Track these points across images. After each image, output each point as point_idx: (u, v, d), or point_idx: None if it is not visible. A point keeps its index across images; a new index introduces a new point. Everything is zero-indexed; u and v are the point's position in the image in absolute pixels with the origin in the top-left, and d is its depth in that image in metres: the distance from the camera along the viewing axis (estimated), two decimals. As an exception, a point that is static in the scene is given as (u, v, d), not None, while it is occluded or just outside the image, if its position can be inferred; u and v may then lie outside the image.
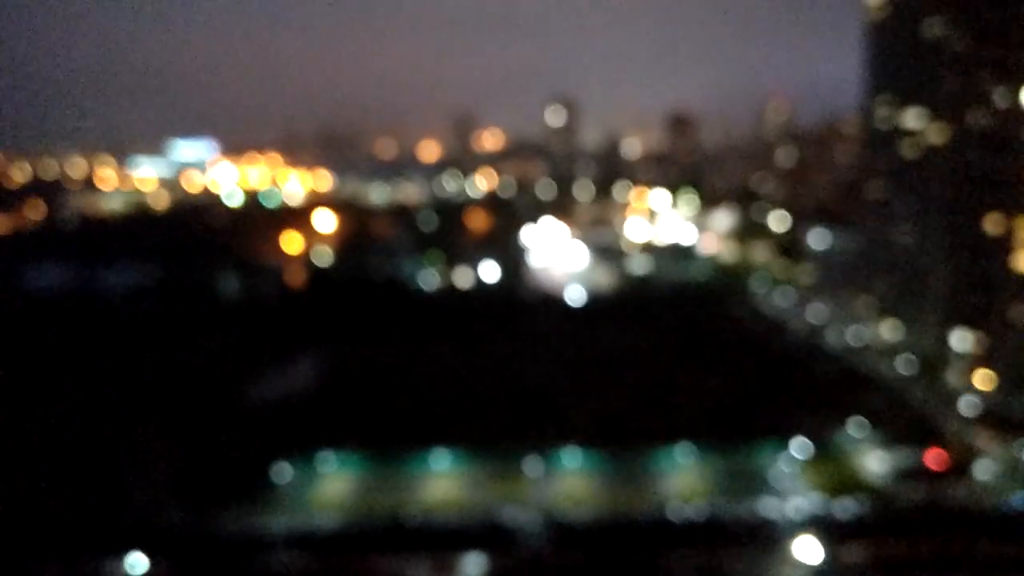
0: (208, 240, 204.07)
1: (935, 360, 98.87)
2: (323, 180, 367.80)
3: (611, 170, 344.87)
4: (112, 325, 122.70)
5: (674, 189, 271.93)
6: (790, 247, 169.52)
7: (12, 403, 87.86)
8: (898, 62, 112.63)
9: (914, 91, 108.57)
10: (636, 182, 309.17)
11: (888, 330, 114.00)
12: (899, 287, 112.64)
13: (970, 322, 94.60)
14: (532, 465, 74.40)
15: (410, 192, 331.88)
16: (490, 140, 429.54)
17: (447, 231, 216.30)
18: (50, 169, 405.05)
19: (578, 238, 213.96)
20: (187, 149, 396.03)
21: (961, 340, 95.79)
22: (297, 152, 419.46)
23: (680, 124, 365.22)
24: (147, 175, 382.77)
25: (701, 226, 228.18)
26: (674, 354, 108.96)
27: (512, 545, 62.12)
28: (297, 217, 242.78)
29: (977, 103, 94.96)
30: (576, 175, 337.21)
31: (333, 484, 74.00)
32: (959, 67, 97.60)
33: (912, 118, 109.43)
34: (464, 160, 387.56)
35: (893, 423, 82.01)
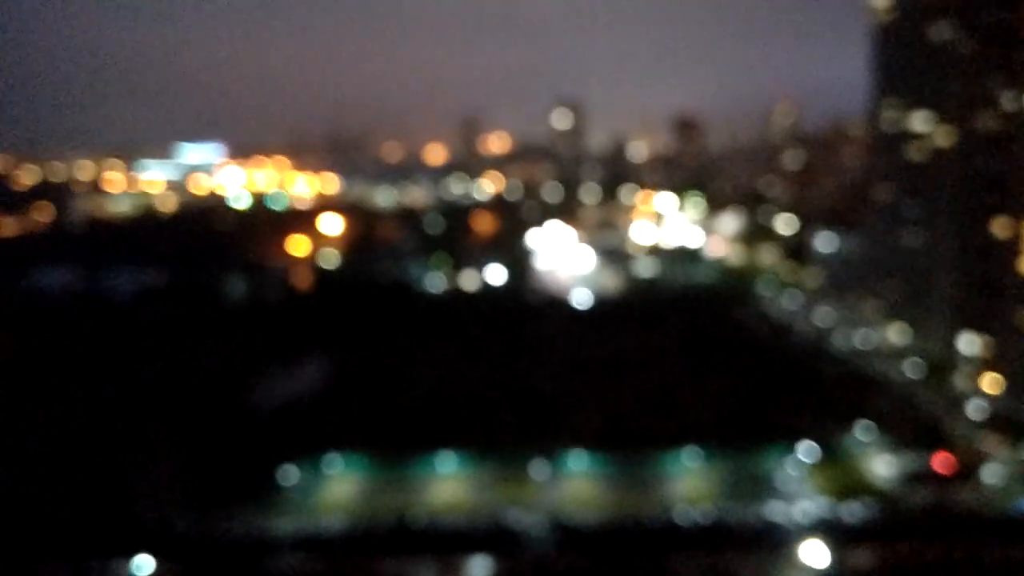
0: (215, 243, 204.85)
1: (942, 364, 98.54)
2: (330, 183, 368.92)
3: (617, 173, 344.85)
4: (119, 327, 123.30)
5: (680, 192, 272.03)
6: (797, 250, 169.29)
7: (20, 405, 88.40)
8: (905, 65, 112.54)
9: (921, 94, 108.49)
10: (642, 185, 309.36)
11: (895, 333, 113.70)
12: (906, 290, 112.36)
13: (978, 326, 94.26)
14: (538, 468, 74.35)
15: (416, 195, 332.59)
16: (496, 143, 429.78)
17: (453, 234, 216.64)
18: (58, 172, 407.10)
19: (584, 241, 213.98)
20: (194, 152, 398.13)
21: (969, 344, 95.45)
22: (304, 155, 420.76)
23: (686, 127, 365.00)
24: (154, 178, 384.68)
25: (708, 229, 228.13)
26: (680, 357, 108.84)
27: (518, 548, 62.01)
28: (304, 220, 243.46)
29: (985, 106, 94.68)
30: (582, 178, 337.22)
31: (339, 486, 74.08)
32: (966, 70, 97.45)
33: (919, 121, 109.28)
34: (470, 163, 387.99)
35: (900, 427, 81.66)
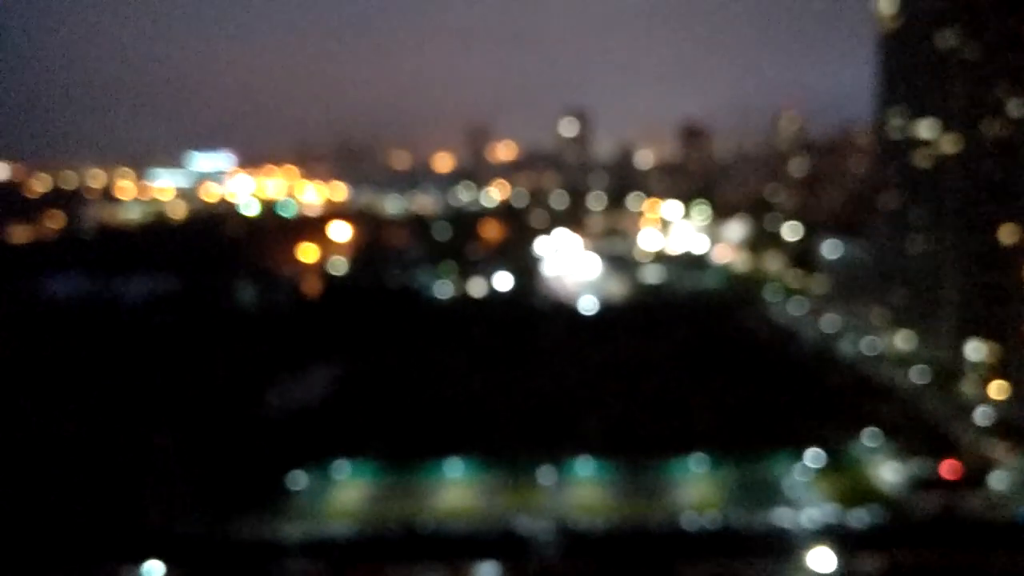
0: (225, 250, 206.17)
1: (949, 370, 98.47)
2: (339, 191, 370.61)
3: (624, 181, 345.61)
4: (130, 333, 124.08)
5: (687, 200, 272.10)
6: (803, 257, 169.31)
7: (31, 411, 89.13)
8: (911, 72, 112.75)
9: (927, 101, 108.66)
10: (649, 193, 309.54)
11: (902, 340, 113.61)
12: (913, 297, 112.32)
13: (984, 332, 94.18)
14: (545, 474, 74.62)
15: (424, 203, 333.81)
16: (504, 151, 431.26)
17: (461, 241, 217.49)
18: (70, 180, 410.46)
19: (591, 248, 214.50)
20: (205, 161, 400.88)
21: (975, 350, 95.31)
22: (313, 164, 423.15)
23: (693, 135, 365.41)
24: (165, 186, 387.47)
25: (714, 236, 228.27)
26: (687, 363, 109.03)
27: (525, 554, 62.17)
28: (313, 227, 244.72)
29: (991, 113, 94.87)
30: (589, 186, 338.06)
31: (348, 492, 74.44)
32: (972, 77, 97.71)
33: (925, 128, 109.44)
34: (478, 171, 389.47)
35: (907, 433, 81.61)
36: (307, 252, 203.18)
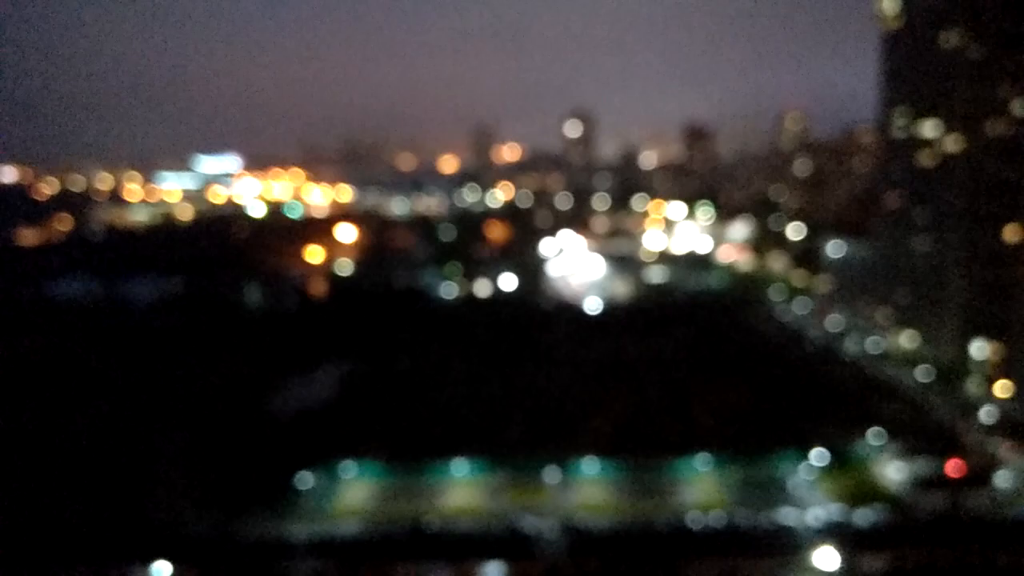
0: (232, 251, 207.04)
1: (954, 370, 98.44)
2: (345, 193, 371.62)
3: (628, 182, 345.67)
4: (138, 334, 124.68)
5: (691, 200, 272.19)
6: (807, 257, 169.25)
7: (40, 412, 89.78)
8: (914, 72, 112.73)
9: (931, 101, 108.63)
10: (653, 194, 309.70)
11: (906, 339, 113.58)
12: (917, 296, 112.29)
13: (989, 331, 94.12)
14: (551, 474, 74.94)
15: (430, 204, 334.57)
16: (509, 153, 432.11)
17: (466, 242, 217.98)
18: (78, 183, 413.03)
19: (596, 248, 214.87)
20: (212, 164, 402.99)
21: (980, 350, 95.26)
22: (320, 166, 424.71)
23: (696, 136, 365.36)
24: (173, 189, 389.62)
25: (718, 236, 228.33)
26: (692, 362, 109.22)
27: (531, 553, 62.47)
28: (319, 228, 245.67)
29: (994, 112, 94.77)
30: (594, 187, 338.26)
31: (355, 492, 74.88)
32: (975, 77, 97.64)
33: (929, 128, 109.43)
34: (483, 173, 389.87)
35: (912, 433, 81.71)
36: (313, 253, 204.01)
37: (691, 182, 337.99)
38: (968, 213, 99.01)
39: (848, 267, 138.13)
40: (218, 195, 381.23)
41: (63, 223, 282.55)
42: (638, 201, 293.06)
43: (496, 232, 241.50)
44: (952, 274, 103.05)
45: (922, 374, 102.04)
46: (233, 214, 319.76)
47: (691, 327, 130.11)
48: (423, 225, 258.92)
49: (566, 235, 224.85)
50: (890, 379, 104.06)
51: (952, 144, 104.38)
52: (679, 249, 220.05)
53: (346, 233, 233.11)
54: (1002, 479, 72.50)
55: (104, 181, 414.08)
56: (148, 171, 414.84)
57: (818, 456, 76.20)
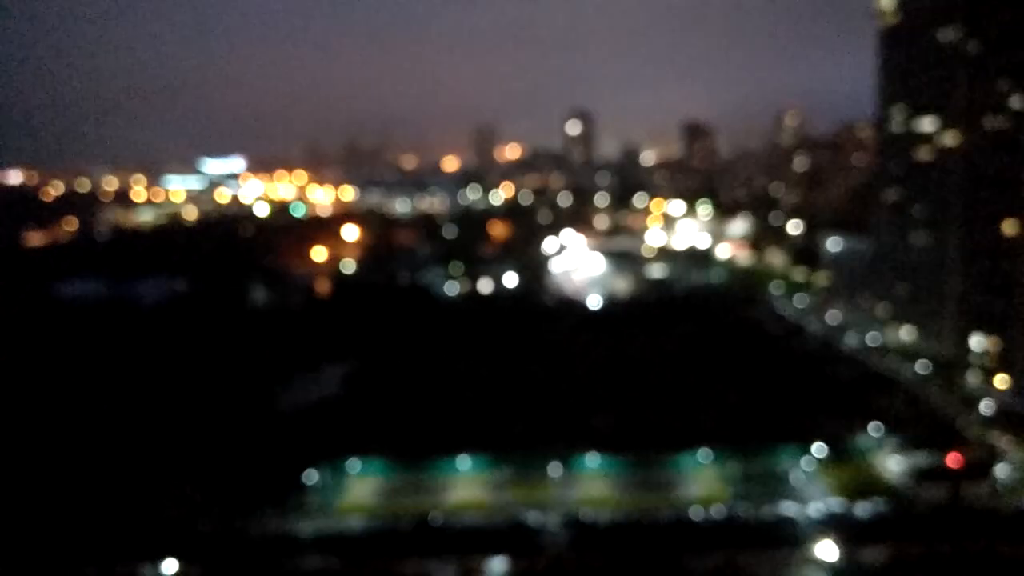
0: (238, 251, 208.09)
1: (954, 363, 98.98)
2: (348, 193, 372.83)
3: (629, 180, 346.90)
4: (146, 334, 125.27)
5: (691, 197, 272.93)
6: (806, 253, 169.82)
7: (49, 411, 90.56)
8: (912, 68, 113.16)
9: (929, 96, 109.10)
10: (654, 191, 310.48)
11: (905, 334, 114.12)
12: (916, 291, 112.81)
13: (988, 325, 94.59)
14: (555, 469, 75.63)
15: (433, 203, 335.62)
16: (511, 152, 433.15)
17: (469, 240, 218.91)
18: (85, 185, 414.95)
19: (598, 246, 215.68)
20: (217, 165, 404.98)
21: (979, 343, 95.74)
22: (323, 167, 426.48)
23: (696, 133, 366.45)
24: (179, 190, 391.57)
25: (718, 233, 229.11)
26: (693, 357, 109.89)
27: (536, 547, 63.04)
28: (324, 227, 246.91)
29: (992, 107, 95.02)
30: (595, 185, 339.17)
31: (360, 488, 75.51)
32: (973, 72, 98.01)
33: (927, 123, 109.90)
34: (485, 172, 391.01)
35: (913, 426, 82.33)
36: (318, 252, 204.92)
37: (691, 179, 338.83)
38: (966, 208, 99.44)
39: (847, 262, 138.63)
40: (223, 196, 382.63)
41: (70, 224, 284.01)
42: (638, 199, 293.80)
43: (498, 230, 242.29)
44: (951, 268, 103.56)
45: (921, 368, 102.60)
46: (238, 214, 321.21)
47: (691, 322, 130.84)
48: (426, 224, 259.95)
49: (567, 233, 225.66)
50: (890, 373, 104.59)
51: (950, 139, 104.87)
52: (679, 246, 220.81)
53: (350, 232, 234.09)
54: (1002, 471, 73.02)
55: (110, 183, 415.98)
56: (154, 173, 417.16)
57: (818, 449, 76.79)
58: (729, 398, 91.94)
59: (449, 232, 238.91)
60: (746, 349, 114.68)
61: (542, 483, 74.35)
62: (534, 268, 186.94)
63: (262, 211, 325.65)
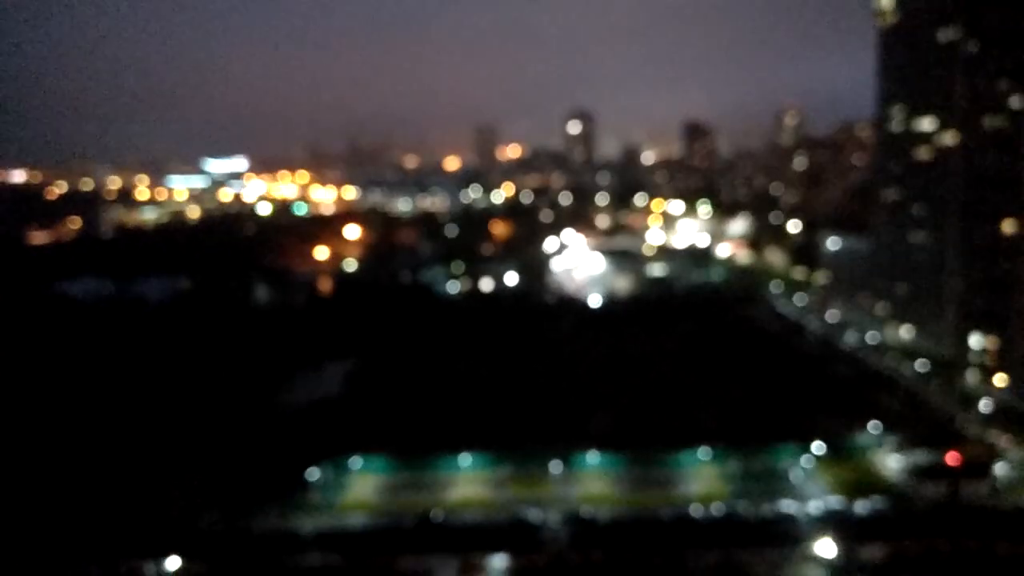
0: (240, 249, 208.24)
1: (953, 362, 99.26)
2: (351, 192, 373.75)
3: (629, 179, 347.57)
4: (149, 331, 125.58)
5: (691, 197, 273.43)
6: (806, 251, 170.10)
7: (52, 409, 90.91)
8: (911, 67, 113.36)
9: (928, 95, 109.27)
10: (654, 191, 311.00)
11: (905, 332, 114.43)
12: (915, 290, 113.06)
13: (987, 324, 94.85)
14: (555, 466, 76.03)
15: (435, 202, 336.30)
16: (512, 152, 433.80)
17: (471, 239, 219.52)
18: (88, 185, 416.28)
19: (598, 244, 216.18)
20: (220, 165, 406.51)
21: (978, 342, 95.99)
22: (325, 167, 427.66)
23: (696, 133, 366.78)
24: (182, 190, 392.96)
25: (718, 232, 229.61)
26: (692, 355, 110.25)
27: (536, 544, 63.41)
28: (326, 226, 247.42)
29: (991, 107, 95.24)
30: (595, 184, 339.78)
31: (362, 485, 76.03)
32: (972, 71, 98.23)
33: (926, 122, 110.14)
34: (487, 171, 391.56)
35: (912, 424, 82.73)
36: (320, 251, 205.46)
37: (691, 179, 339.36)
38: (965, 207, 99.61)
39: (847, 261, 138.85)
40: (226, 196, 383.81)
41: (73, 223, 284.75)
42: (639, 198, 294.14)
43: (499, 230, 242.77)
44: (950, 268, 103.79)
45: (921, 366, 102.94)
46: (241, 214, 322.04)
47: (691, 320, 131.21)
48: (428, 223, 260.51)
49: (569, 231, 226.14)
50: (889, 371, 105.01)
51: (949, 139, 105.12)
52: (679, 245, 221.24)
53: (352, 231, 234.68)
54: (1000, 469, 73.38)
55: (113, 183, 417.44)
56: (157, 173, 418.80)
57: (818, 447, 77.11)
58: (729, 396, 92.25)
59: (450, 231, 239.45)
60: (746, 347, 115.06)
61: (543, 480, 74.82)
62: (535, 267, 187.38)
63: (264, 210, 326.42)
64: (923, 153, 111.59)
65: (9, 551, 61.93)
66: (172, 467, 75.81)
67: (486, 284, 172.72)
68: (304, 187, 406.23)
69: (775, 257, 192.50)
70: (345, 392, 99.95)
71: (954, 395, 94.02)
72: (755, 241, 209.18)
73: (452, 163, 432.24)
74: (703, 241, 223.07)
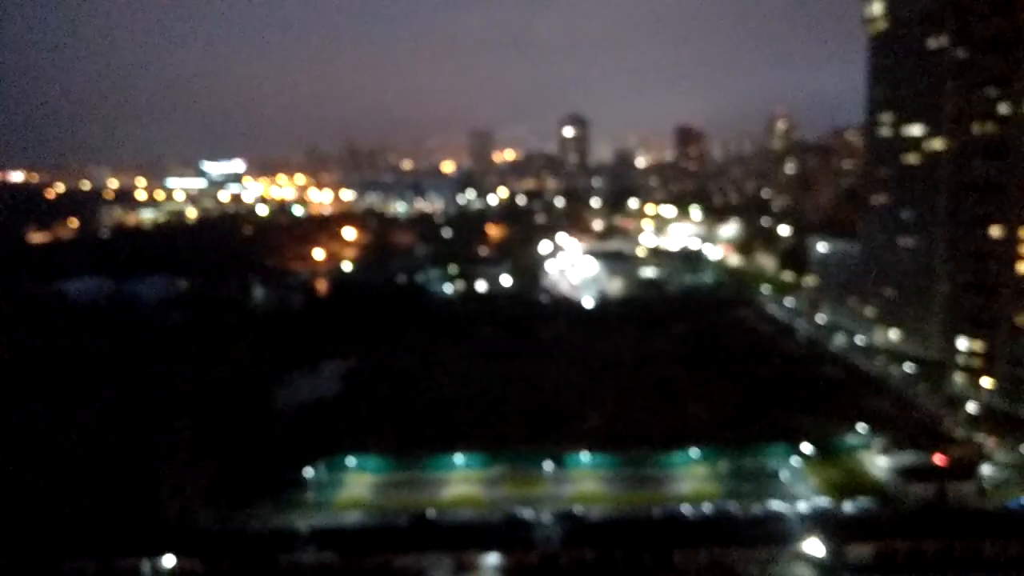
0: (237, 249, 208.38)
1: (939, 365, 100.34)
2: (347, 194, 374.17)
3: (623, 183, 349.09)
4: (146, 331, 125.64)
5: (683, 200, 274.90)
6: (796, 255, 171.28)
7: (50, 409, 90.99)
8: (901, 74, 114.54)
9: (917, 102, 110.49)
10: (646, 194, 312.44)
11: (893, 335, 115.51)
12: (903, 294, 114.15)
13: (975, 327, 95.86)
14: (548, 466, 76.76)
15: (431, 204, 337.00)
16: (507, 155, 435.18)
17: (466, 241, 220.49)
18: (87, 185, 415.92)
19: (592, 247, 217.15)
20: (218, 167, 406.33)
21: (965, 344, 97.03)
22: (323, 169, 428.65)
23: (689, 138, 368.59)
24: (180, 191, 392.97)
25: (710, 236, 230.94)
26: (683, 356, 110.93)
27: (528, 542, 63.92)
28: (323, 227, 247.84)
29: (979, 113, 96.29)
30: (589, 188, 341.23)
31: (357, 484, 76.73)
32: (961, 78, 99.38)
33: (915, 128, 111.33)
34: (482, 174, 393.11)
35: (899, 425, 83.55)
36: (317, 252, 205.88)
37: (683, 183, 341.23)
38: (953, 212, 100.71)
39: (836, 265, 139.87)
40: (224, 197, 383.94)
41: (73, 223, 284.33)
42: (632, 201, 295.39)
43: (494, 232, 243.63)
44: (938, 271, 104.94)
45: (908, 368, 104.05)
46: (238, 215, 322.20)
47: (682, 322, 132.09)
48: (424, 225, 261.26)
49: (562, 234, 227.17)
50: (877, 374, 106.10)
51: (938, 145, 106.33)
52: (672, 248, 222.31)
53: (349, 233, 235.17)
54: (987, 470, 74.40)
55: (112, 184, 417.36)
56: (156, 175, 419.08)
57: (807, 448, 78.00)
58: (719, 397, 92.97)
59: (446, 233, 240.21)
60: (736, 349, 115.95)
61: (536, 479, 75.59)
62: (530, 268, 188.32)
63: (262, 212, 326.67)
64: (912, 158, 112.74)
65: (7, 549, 62.23)
66: (168, 465, 76.04)
67: (481, 285, 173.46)
68: (302, 189, 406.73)
69: (766, 260, 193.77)
70: (341, 391, 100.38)
71: (941, 397, 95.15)
72: (746, 244, 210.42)
73: (448, 166, 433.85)
74: (695, 244, 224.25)
